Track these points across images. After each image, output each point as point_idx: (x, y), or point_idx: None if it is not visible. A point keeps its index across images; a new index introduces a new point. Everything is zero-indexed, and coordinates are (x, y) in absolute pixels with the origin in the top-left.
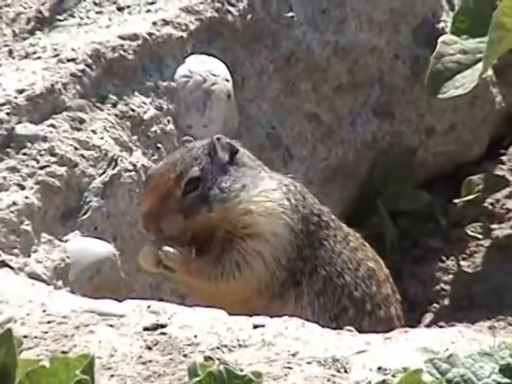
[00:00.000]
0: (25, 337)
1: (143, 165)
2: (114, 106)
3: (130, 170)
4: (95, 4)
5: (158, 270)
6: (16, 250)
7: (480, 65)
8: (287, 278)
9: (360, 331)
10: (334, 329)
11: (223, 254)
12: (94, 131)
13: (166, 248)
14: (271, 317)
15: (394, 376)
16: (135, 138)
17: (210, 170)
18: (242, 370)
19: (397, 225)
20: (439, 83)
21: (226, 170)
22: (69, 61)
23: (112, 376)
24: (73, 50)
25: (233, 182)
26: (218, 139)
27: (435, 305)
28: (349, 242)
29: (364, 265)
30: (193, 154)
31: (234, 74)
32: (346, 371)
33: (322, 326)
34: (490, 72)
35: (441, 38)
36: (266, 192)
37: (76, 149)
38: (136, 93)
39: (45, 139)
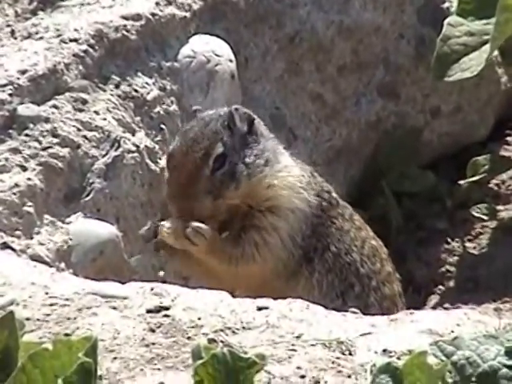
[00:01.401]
0: (27, 319)
1: (146, 146)
2: (117, 86)
3: (132, 152)
4: None
5: (180, 245)
6: (18, 232)
7: (487, 47)
8: (302, 255)
9: (367, 307)
10: (340, 306)
11: (242, 233)
12: (96, 112)
13: (196, 224)
14: (275, 299)
15: (399, 358)
16: (138, 118)
17: (232, 144)
18: (245, 353)
19: (401, 206)
20: (446, 66)
21: (246, 141)
22: (71, 41)
23: (115, 359)
24: (75, 30)
25: (256, 156)
26: (236, 109)
27: (440, 287)
28: (354, 221)
29: (368, 243)
30: (212, 127)
31: (237, 54)
32: (350, 354)
33: (328, 305)
34: (495, 52)
35: (447, 20)
36: (287, 167)
37: (78, 130)
38: (139, 73)
39: (47, 120)
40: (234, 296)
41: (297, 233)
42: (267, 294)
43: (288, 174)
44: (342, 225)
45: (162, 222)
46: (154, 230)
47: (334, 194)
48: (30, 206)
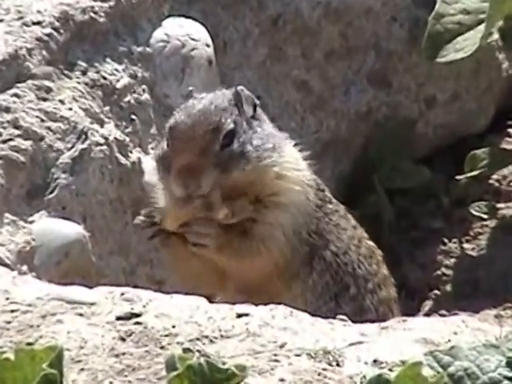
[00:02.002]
0: None
1: (116, 138)
2: (84, 73)
3: (101, 144)
4: None
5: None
6: None
7: (483, 26)
8: (308, 252)
9: (362, 311)
10: (334, 309)
11: (249, 228)
12: (61, 101)
13: (197, 226)
14: (256, 305)
15: (390, 370)
16: (107, 108)
17: (241, 123)
18: (224, 363)
19: (394, 204)
20: (438, 46)
21: (252, 125)
22: (34, 24)
23: (82, 370)
24: (38, 12)
25: (262, 140)
26: (242, 90)
27: (436, 291)
28: (349, 219)
29: (364, 243)
30: (220, 104)
31: (215, 38)
32: (338, 364)
33: (321, 307)
34: (495, 36)
35: None
36: (296, 160)
37: (42, 121)
38: (108, 59)
39: (7, 110)
40: (211, 302)
41: (302, 227)
42: (263, 297)
43: (297, 167)
44: (338, 222)
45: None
46: (151, 222)
47: (327, 191)
48: None
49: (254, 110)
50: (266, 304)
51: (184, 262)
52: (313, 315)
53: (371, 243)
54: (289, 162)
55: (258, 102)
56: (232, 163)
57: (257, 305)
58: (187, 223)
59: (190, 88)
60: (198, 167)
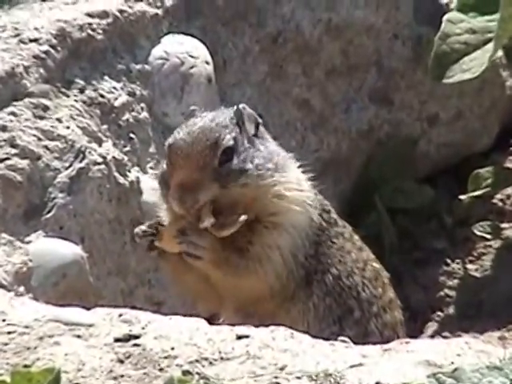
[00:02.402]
0: None
1: (114, 157)
2: (82, 91)
3: (99, 163)
4: None
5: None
6: None
7: (490, 45)
8: (303, 276)
9: (366, 335)
10: (337, 332)
11: (248, 247)
12: (59, 120)
13: (193, 237)
14: (256, 326)
15: None
16: (105, 127)
17: (241, 141)
18: None
19: (396, 224)
20: (445, 66)
21: (254, 143)
22: (31, 41)
23: None
24: (35, 29)
25: (264, 159)
26: (244, 108)
27: (439, 313)
28: (355, 241)
29: (370, 265)
30: (221, 121)
31: (214, 55)
32: None
33: (324, 330)
34: (499, 53)
35: (446, 16)
36: (298, 180)
37: (39, 139)
38: (106, 77)
39: (4, 129)
40: (211, 323)
41: (300, 251)
42: (260, 317)
43: (299, 188)
44: (343, 245)
45: (162, 227)
46: (152, 233)
47: (333, 213)
48: None
49: (257, 128)
50: (266, 325)
51: (181, 275)
52: (315, 337)
53: (377, 265)
54: (291, 182)
55: (260, 120)
56: (231, 179)
57: (257, 326)
58: (183, 231)
59: (193, 107)
60: (195, 183)
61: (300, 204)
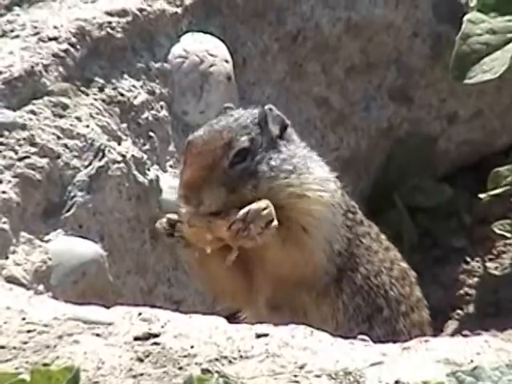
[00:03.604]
0: (2, 347)
1: (133, 155)
2: (101, 90)
3: (118, 162)
4: None
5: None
6: None
7: (510, 46)
8: (335, 275)
9: (395, 334)
10: (367, 330)
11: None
12: (78, 118)
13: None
14: (276, 325)
15: None
16: (124, 125)
17: (260, 142)
18: None
19: (416, 222)
20: (466, 67)
21: (276, 144)
22: (50, 40)
23: None
24: (55, 27)
25: (283, 161)
26: (270, 109)
27: (459, 311)
28: (381, 241)
29: (397, 265)
30: (241, 122)
31: (234, 54)
32: None
33: (353, 329)
34: None
35: (466, 16)
36: (321, 180)
37: (59, 138)
38: (125, 75)
39: (24, 127)
40: (231, 322)
41: (334, 243)
42: (290, 310)
43: (321, 188)
44: (370, 244)
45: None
46: (171, 226)
47: (359, 213)
48: (4, 222)
49: (284, 130)
50: (286, 324)
51: (209, 267)
52: (346, 338)
53: (404, 265)
54: (308, 183)
55: (288, 122)
56: (239, 183)
57: (280, 324)
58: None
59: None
60: (202, 182)
61: (324, 203)
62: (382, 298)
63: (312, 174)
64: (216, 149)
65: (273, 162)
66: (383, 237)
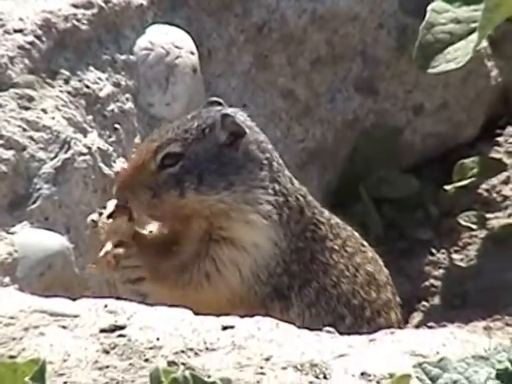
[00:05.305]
0: None
1: (99, 148)
2: (67, 82)
3: (84, 154)
4: None
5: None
6: None
7: (474, 36)
8: (271, 291)
9: None
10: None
11: (194, 260)
12: (44, 110)
13: (125, 260)
14: (242, 317)
15: (378, 382)
16: (90, 117)
17: (198, 150)
18: (209, 376)
19: (382, 214)
20: (429, 56)
21: (222, 154)
22: (16, 32)
23: (65, 383)
24: (20, 19)
25: (219, 175)
26: (225, 115)
27: (424, 303)
28: (346, 249)
29: (363, 270)
30: (185, 125)
31: (199, 46)
32: (325, 377)
33: None
34: (484, 43)
35: (430, 6)
36: (255, 202)
37: (24, 130)
38: (91, 67)
39: None
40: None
41: (262, 270)
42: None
43: (252, 210)
44: (327, 259)
45: (103, 215)
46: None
47: (322, 229)
48: None
49: (235, 138)
50: (251, 316)
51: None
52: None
53: (371, 268)
54: (245, 203)
55: (247, 131)
56: (165, 188)
57: (242, 317)
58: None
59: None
60: (129, 182)
61: (252, 224)
62: (344, 307)
63: (247, 194)
64: (147, 151)
65: (206, 175)
66: (350, 243)
